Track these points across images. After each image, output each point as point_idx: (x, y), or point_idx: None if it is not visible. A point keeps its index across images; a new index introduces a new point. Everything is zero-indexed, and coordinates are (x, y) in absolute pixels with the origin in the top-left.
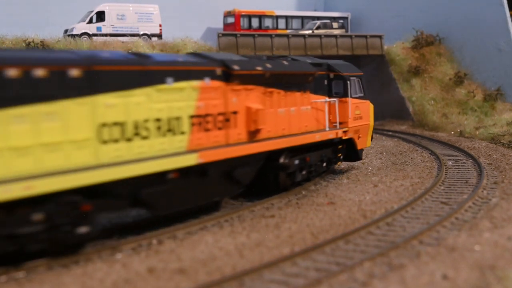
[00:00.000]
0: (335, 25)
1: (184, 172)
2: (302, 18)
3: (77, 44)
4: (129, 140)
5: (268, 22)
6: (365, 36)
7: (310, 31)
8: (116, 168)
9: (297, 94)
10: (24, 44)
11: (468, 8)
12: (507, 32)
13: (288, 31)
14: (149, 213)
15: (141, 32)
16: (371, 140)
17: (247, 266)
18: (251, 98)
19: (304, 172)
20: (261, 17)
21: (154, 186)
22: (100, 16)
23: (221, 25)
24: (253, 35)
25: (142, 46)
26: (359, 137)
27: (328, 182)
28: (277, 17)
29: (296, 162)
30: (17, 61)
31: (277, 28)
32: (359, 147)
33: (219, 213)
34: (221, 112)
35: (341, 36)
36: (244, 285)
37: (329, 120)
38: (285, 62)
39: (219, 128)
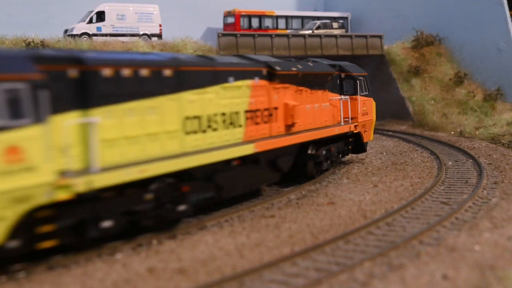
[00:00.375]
0: (335, 25)
1: (243, 160)
2: (302, 18)
3: (77, 44)
4: (203, 131)
5: (268, 22)
6: (365, 36)
7: (310, 31)
8: (198, 156)
9: (319, 92)
10: (24, 44)
11: (468, 8)
12: (507, 32)
13: (288, 31)
14: (217, 196)
15: (141, 32)
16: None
17: (247, 266)
18: (287, 95)
19: (328, 162)
20: (261, 17)
21: (223, 172)
22: (100, 16)
23: (221, 25)
24: (253, 35)
25: (142, 46)
26: (365, 131)
27: (328, 182)
28: (277, 17)
29: (324, 152)
30: (128, 62)
31: (277, 28)
32: (364, 140)
33: (219, 213)
34: (266, 107)
35: (341, 36)
36: (244, 285)
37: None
38: (310, 64)
39: (265, 122)
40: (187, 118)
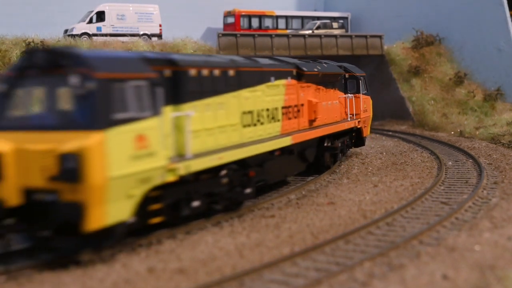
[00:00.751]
0: (335, 25)
1: (282, 150)
2: (302, 18)
3: (77, 44)
4: (254, 125)
5: (268, 22)
6: (365, 36)
7: (310, 31)
8: (254, 146)
9: (331, 91)
10: (24, 44)
11: (468, 8)
12: (507, 32)
13: (288, 31)
14: (265, 182)
15: (141, 32)
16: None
17: (247, 266)
18: (309, 93)
19: (341, 154)
20: (261, 17)
21: (269, 160)
22: (100, 16)
23: (221, 25)
24: (253, 35)
25: (142, 46)
26: (364, 126)
27: (328, 182)
28: (277, 17)
29: (339, 145)
30: (206, 64)
31: (277, 28)
32: (364, 135)
33: (219, 213)
34: (296, 104)
35: (341, 36)
36: (244, 285)
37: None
38: (324, 65)
39: (295, 117)
40: (244, 112)
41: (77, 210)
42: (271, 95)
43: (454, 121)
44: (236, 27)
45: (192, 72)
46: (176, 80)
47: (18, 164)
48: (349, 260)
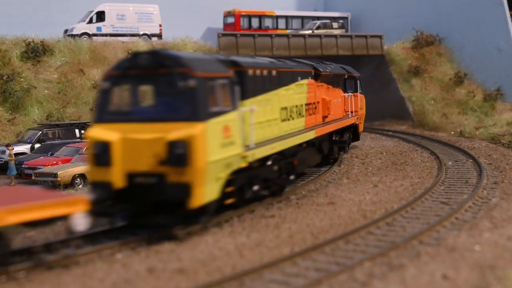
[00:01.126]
0: (335, 25)
1: (308, 143)
2: (302, 18)
3: (77, 44)
4: (288, 120)
5: (268, 22)
6: (365, 36)
7: (310, 31)
8: (291, 138)
9: (336, 90)
10: (24, 44)
11: (468, 8)
12: (507, 32)
13: (288, 31)
14: (295, 172)
15: (141, 32)
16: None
17: (247, 266)
18: (323, 92)
19: (347, 147)
20: (261, 17)
21: (299, 152)
22: (100, 16)
23: (221, 25)
24: (253, 35)
25: (142, 46)
26: (360, 123)
27: (328, 182)
28: (277, 17)
29: (347, 138)
30: (258, 65)
31: (277, 28)
32: (359, 130)
33: (219, 213)
34: (313, 101)
35: (341, 36)
36: (244, 285)
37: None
38: (332, 66)
39: (313, 113)
40: (282, 108)
41: (184, 190)
42: (298, 93)
43: (454, 121)
44: (236, 27)
45: (250, 72)
46: (239, 79)
47: (123, 152)
48: (349, 260)
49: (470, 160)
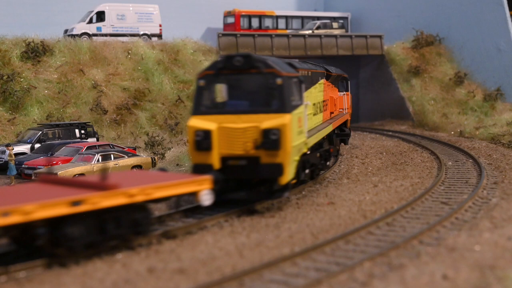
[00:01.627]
0: (335, 25)
1: (327, 135)
2: (302, 18)
3: (77, 44)
4: (315, 114)
5: (268, 22)
6: (365, 36)
7: (310, 31)
8: (323, 130)
9: (335, 89)
10: (24, 44)
11: (468, 8)
12: (507, 32)
13: (288, 31)
14: (330, 158)
15: (141, 32)
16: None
17: (247, 266)
18: (329, 91)
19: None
20: (261, 17)
21: (324, 143)
22: (100, 16)
23: (221, 25)
24: (253, 35)
25: (142, 46)
26: (349, 119)
27: (328, 182)
28: (277, 17)
29: (348, 131)
30: (302, 66)
31: (277, 28)
32: (348, 126)
33: (219, 213)
34: (325, 99)
35: (341, 36)
36: (244, 285)
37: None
38: (333, 68)
39: (326, 110)
40: (313, 104)
41: (277, 170)
42: (319, 91)
43: (454, 121)
44: (236, 27)
45: (302, 72)
46: None
47: (220, 138)
48: (349, 260)
49: (470, 160)
